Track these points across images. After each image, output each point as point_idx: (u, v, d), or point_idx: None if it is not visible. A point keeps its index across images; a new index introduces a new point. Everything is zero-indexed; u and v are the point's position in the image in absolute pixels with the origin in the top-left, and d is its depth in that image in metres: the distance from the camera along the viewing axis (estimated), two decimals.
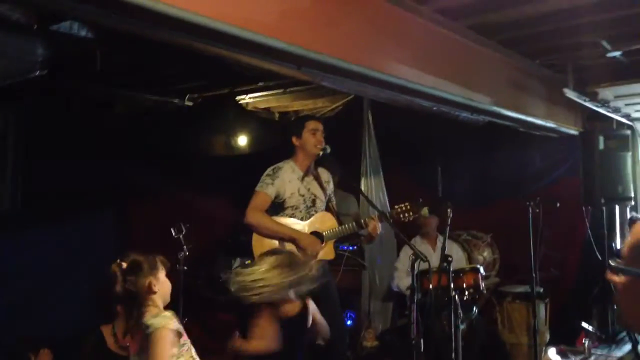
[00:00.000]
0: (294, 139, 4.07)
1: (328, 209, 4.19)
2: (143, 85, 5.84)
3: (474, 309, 4.77)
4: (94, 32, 2.83)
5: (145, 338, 2.52)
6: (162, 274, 2.67)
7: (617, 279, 1.43)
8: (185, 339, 2.63)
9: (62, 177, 5.11)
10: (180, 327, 2.61)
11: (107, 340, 3.97)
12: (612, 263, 1.45)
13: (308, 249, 3.82)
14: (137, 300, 2.60)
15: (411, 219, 4.10)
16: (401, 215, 4.06)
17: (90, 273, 5.11)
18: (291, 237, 3.87)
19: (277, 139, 6.23)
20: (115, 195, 5.83)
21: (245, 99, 6.42)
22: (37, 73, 2.90)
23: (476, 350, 4.78)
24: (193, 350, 2.67)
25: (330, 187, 4.24)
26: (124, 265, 2.64)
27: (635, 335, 5.42)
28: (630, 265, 1.39)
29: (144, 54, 4.50)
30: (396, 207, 4.13)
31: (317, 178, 4.13)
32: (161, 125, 6.07)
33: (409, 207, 4.07)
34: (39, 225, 5.00)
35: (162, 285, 2.67)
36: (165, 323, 2.54)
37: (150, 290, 2.62)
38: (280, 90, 6.08)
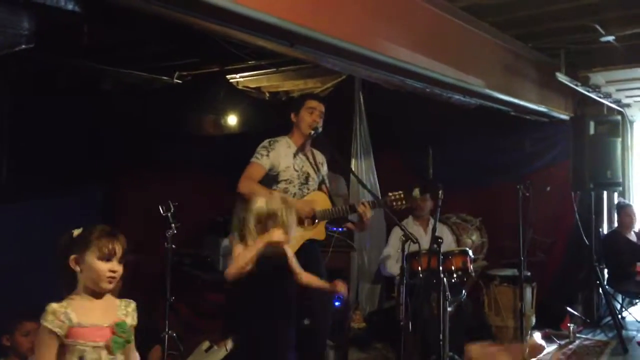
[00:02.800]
0: (292, 115, 4.06)
1: (321, 190, 4.17)
2: (131, 61, 5.76)
3: (462, 291, 4.79)
4: (82, 5, 2.76)
5: None
6: (91, 257, 2.24)
7: None
8: (77, 339, 2.19)
9: (48, 153, 5.04)
10: (61, 324, 2.16)
11: None
12: None
13: (299, 211, 3.81)
14: (64, 277, 2.28)
15: (403, 207, 4.10)
16: (394, 204, 4.05)
17: None
18: None
19: (267, 119, 6.19)
20: (103, 172, 5.77)
21: (236, 78, 6.36)
22: (23, 47, 2.82)
23: (463, 332, 4.81)
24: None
25: (324, 170, 4.23)
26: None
27: (620, 320, 5.49)
28: None
29: (133, 29, 4.42)
30: (390, 194, 4.11)
31: (312, 158, 4.11)
32: (150, 102, 6.00)
33: (402, 195, 4.06)
34: (24, 202, 4.94)
35: (87, 268, 2.26)
36: (43, 317, 2.17)
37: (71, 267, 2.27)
38: (272, 70, 6.03)
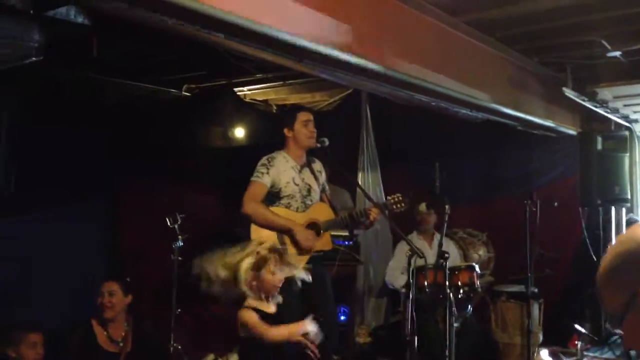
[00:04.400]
0: (286, 131, 4.09)
1: (321, 199, 4.18)
2: (140, 74, 5.80)
3: (469, 307, 4.76)
4: (91, 18, 2.78)
5: None
6: None
7: None
8: None
9: (55, 164, 5.06)
10: None
11: (97, 334, 3.84)
12: None
13: (302, 243, 3.83)
14: None
15: (402, 209, 4.15)
16: (394, 206, 4.10)
17: (82, 262, 5.07)
18: (287, 228, 3.85)
19: (274, 131, 6.22)
20: (110, 184, 5.79)
21: (243, 91, 6.39)
22: (33, 59, 2.85)
23: (469, 349, 4.77)
24: None
25: (323, 177, 4.24)
26: None
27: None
28: None
29: (142, 42, 4.46)
30: (389, 197, 4.17)
31: (311, 168, 4.13)
32: (157, 115, 6.03)
33: (400, 198, 4.13)
34: (30, 213, 4.95)
35: None
36: None
37: None
38: (279, 83, 6.05)
